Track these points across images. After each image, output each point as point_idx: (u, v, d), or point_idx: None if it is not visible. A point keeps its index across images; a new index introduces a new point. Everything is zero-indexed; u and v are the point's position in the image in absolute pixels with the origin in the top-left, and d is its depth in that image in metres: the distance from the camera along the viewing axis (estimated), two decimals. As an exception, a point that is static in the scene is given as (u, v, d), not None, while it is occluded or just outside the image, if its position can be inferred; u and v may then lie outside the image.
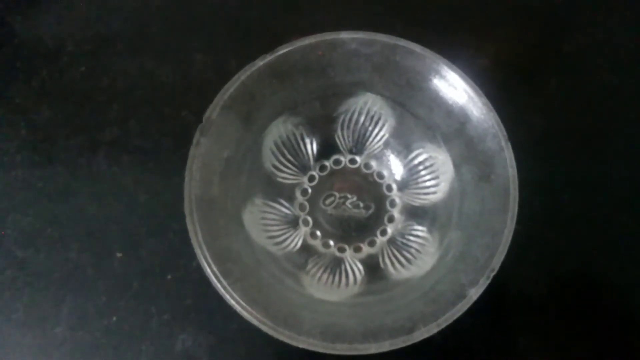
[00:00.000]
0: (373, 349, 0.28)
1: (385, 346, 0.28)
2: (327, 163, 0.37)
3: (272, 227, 0.35)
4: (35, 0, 0.44)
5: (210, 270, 0.29)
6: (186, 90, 0.41)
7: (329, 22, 0.42)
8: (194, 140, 0.31)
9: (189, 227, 0.30)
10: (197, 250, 0.29)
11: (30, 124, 0.40)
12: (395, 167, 0.37)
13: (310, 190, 0.37)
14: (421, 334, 0.28)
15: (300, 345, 0.28)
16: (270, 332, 0.28)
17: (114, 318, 0.35)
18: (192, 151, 0.31)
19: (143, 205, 0.38)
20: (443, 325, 0.29)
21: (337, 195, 0.37)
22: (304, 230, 0.36)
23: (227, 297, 0.29)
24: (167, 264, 0.36)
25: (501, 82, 0.41)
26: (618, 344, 0.35)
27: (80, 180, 0.39)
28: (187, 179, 0.31)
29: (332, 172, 0.37)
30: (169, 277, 0.36)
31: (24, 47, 0.42)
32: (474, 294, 0.29)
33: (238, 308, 0.29)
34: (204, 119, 0.32)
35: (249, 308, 0.29)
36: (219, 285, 0.29)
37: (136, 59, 0.41)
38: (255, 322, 0.29)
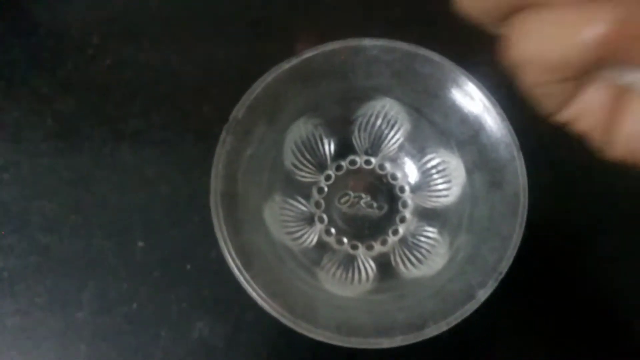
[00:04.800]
0: (385, 343, 0.30)
1: (397, 341, 0.30)
2: (343, 163, 0.39)
3: (289, 223, 0.36)
4: (61, -8, 0.45)
5: (233, 264, 0.31)
6: (208, 86, 0.42)
7: (349, 25, 0.43)
8: (221, 139, 0.32)
9: (215, 221, 0.31)
10: (222, 244, 0.31)
11: (56, 113, 0.41)
12: (409, 170, 0.38)
13: (326, 189, 0.38)
14: (431, 332, 0.30)
15: (317, 338, 0.30)
16: (290, 324, 0.30)
17: (135, 305, 0.37)
18: (219, 149, 0.32)
19: (164, 196, 0.39)
20: (452, 324, 0.30)
21: (352, 194, 0.38)
22: (319, 227, 0.37)
23: (249, 289, 0.30)
24: (186, 254, 0.38)
25: (515, 91, 0.42)
26: (623, 348, 0.37)
27: (103, 170, 0.40)
28: (213, 175, 0.32)
29: (348, 172, 0.39)
30: (188, 266, 0.37)
31: (50, 38, 0.43)
32: (482, 295, 0.30)
33: (259, 300, 0.30)
34: (230, 118, 0.33)
35: (269, 300, 0.30)
36: (241, 278, 0.30)
37: (160, 54, 0.42)
38: (275, 314, 0.30)
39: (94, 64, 0.42)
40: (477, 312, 0.31)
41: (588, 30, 0.16)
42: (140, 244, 0.38)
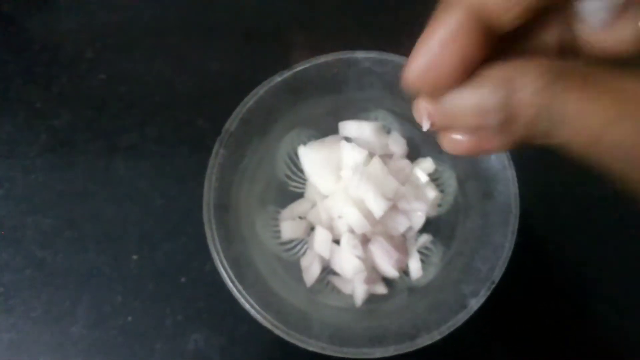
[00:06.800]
0: (378, 353, 0.30)
1: (390, 351, 0.30)
2: (336, 174, 0.39)
3: (283, 235, 0.37)
4: (55, 7, 0.45)
5: (226, 275, 0.31)
6: (202, 98, 0.42)
7: (341, 38, 0.44)
8: (214, 151, 0.33)
9: (207, 233, 0.31)
10: (214, 256, 0.31)
11: (50, 128, 0.41)
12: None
13: (319, 200, 0.38)
14: (424, 341, 0.30)
15: (310, 349, 0.30)
16: (283, 335, 0.30)
17: (129, 318, 0.37)
18: (212, 161, 0.33)
19: (159, 209, 0.39)
20: (445, 333, 0.30)
21: (345, 204, 0.38)
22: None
23: (242, 301, 0.30)
24: (181, 267, 0.38)
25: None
26: (615, 353, 0.37)
27: (98, 184, 0.40)
28: (206, 187, 0.32)
29: (341, 183, 0.39)
30: (183, 279, 0.38)
31: (44, 53, 0.44)
32: (475, 304, 0.31)
33: (252, 312, 0.30)
34: (223, 131, 0.33)
35: (263, 312, 0.30)
36: (234, 290, 0.31)
37: (154, 68, 0.43)
38: (268, 325, 0.30)
39: (88, 78, 0.43)
40: (470, 320, 0.31)
41: None
42: (135, 257, 0.38)
